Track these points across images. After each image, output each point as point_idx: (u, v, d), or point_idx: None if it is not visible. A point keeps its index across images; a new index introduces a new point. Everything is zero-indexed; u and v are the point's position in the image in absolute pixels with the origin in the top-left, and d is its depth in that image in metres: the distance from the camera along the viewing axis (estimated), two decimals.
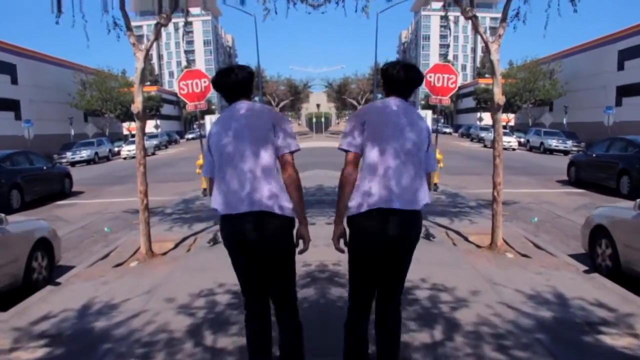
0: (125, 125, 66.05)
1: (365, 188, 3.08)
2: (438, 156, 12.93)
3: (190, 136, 78.10)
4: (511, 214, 11.00)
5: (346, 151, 3.20)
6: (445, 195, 12.97)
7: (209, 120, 40.27)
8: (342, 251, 3.25)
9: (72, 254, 8.74)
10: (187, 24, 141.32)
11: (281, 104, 65.46)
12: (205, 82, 12.41)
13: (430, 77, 12.17)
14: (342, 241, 3.23)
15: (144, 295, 5.59)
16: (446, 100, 12.35)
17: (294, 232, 3.21)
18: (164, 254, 7.86)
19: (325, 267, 6.16)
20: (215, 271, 6.18)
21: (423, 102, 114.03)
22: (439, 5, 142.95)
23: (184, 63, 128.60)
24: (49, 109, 46.58)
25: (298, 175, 3.19)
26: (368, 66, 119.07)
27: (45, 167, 16.50)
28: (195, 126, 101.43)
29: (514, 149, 38.32)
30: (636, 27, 42.18)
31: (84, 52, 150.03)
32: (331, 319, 4.49)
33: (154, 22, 7.71)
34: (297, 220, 3.20)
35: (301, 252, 3.22)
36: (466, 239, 8.19)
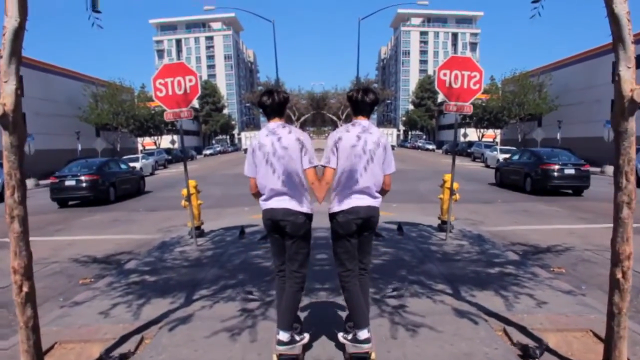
0: (140, 140, 63.51)
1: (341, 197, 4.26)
2: (455, 185, 9.38)
3: (208, 152, 75.50)
4: (569, 271, 7.47)
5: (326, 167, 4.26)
6: (469, 241, 9.21)
7: (244, 136, 49.37)
8: None
9: None
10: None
11: (302, 119, 61.96)
12: (191, 80, 8.85)
13: (445, 75, 8.41)
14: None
15: None
16: (468, 108, 8.57)
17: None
18: None
19: None
20: None
21: (404, 119, 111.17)
22: (419, 20, 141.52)
23: (204, 77, 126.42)
24: (57, 123, 43.76)
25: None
26: (349, 80, 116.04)
27: (128, 171, 21.93)
28: (214, 142, 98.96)
29: None
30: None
31: (96, 64, 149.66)
32: None
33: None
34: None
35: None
36: (548, 349, 4.40)
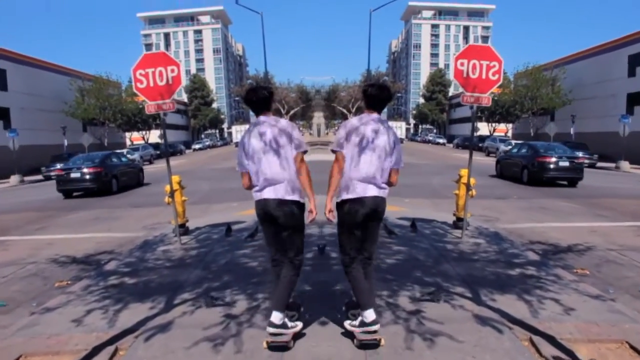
0: (128, 135, 62.79)
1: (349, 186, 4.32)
2: (472, 181, 8.91)
3: (197, 146, 75.05)
4: (593, 273, 7.02)
5: (337, 152, 4.39)
6: (485, 239, 8.74)
7: (235, 130, 50.24)
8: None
9: None
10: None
11: (291, 112, 61.38)
12: (174, 70, 8.43)
13: (462, 64, 8.03)
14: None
15: None
16: (486, 99, 8.17)
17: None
18: None
19: None
20: None
21: (415, 112, 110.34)
22: (430, 13, 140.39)
23: (193, 71, 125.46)
24: (42, 118, 43.06)
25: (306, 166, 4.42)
26: (359, 73, 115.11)
27: (128, 164, 23.17)
28: (203, 136, 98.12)
29: None
30: None
31: (83, 59, 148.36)
32: None
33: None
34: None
35: (310, 221, 4.44)
36: None
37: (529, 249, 8.27)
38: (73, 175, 19.58)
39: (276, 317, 4.23)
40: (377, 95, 4.43)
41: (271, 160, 4.28)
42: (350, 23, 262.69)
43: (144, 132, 62.05)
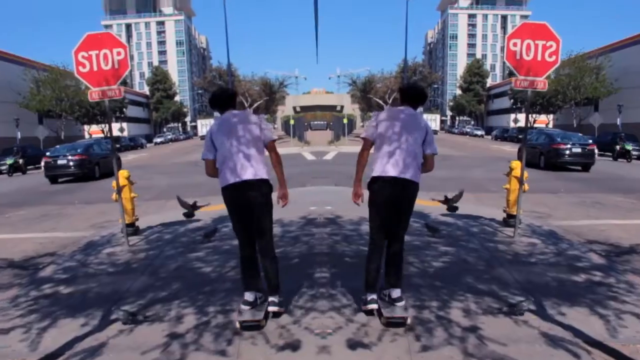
0: (87, 128, 60.79)
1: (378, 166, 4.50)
2: (525, 174, 8.09)
3: (159, 140, 73.30)
4: None
5: (365, 138, 4.65)
6: (540, 239, 7.91)
7: (200, 124, 53.14)
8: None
9: None
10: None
11: (255, 105, 60.32)
12: (120, 53, 7.61)
13: (515, 45, 7.35)
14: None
15: None
16: (542, 83, 7.46)
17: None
18: None
19: None
20: None
21: (452, 104, 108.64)
22: (467, 3, 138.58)
23: (155, 63, 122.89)
24: None
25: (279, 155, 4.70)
26: (395, 64, 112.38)
27: (108, 152, 23.61)
28: (165, 130, 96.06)
29: None
30: None
31: (39, 49, 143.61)
32: None
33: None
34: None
35: (283, 206, 4.75)
36: None
37: (590, 250, 7.45)
38: (60, 162, 21.48)
39: (275, 297, 4.63)
40: (413, 95, 4.73)
41: (240, 146, 4.44)
42: (384, 14, 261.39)
43: (103, 125, 60.21)
